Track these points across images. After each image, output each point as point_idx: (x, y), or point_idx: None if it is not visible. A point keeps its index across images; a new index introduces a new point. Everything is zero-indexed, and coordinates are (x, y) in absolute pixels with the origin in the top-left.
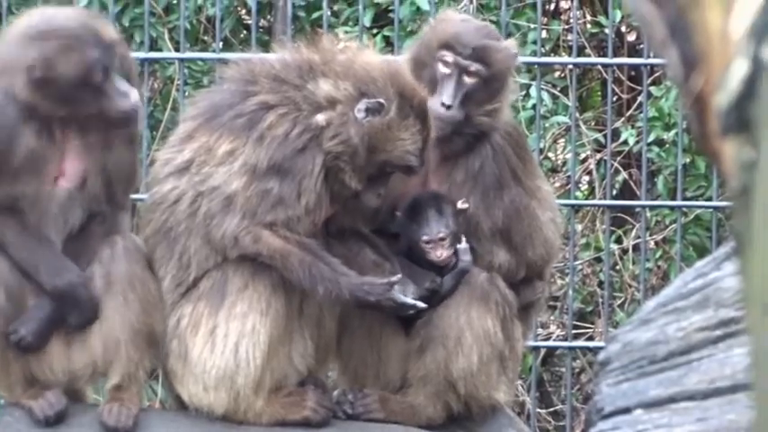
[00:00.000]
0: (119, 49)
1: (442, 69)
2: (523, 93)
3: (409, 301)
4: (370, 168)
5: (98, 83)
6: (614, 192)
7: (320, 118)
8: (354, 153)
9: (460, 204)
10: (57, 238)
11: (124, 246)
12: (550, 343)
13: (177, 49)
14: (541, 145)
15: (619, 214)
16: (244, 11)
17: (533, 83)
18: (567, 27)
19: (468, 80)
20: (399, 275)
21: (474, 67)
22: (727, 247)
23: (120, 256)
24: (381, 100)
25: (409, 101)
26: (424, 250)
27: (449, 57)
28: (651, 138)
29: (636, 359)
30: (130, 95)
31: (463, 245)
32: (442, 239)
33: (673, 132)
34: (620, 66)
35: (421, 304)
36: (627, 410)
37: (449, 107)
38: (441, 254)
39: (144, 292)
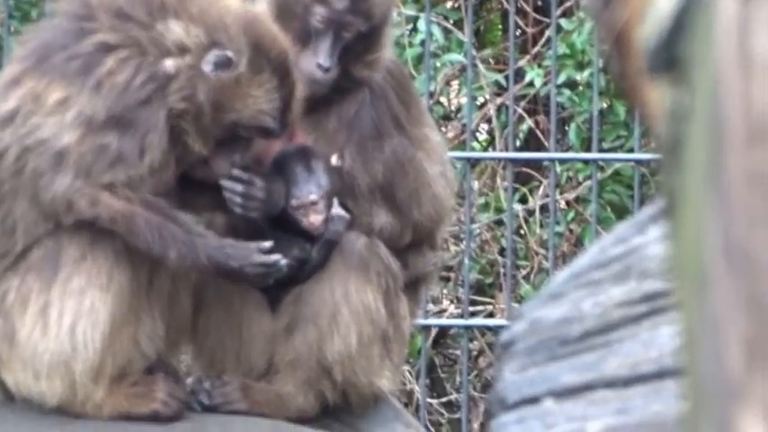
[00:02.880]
0: None
1: (317, 25)
2: (410, 27)
3: (282, 260)
4: (218, 131)
5: None
6: (518, 143)
7: (169, 64)
8: (199, 112)
9: (333, 161)
10: None
11: None
12: (443, 321)
13: None
14: (432, 88)
15: (523, 169)
16: None
17: (422, 15)
18: None
19: (345, 35)
20: (271, 242)
21: (351, 20)
22: (652, 208)
23: None
24: (229, 53)
25: (265, 54)
26: (294, 216)
27: (323, 11)
28: (561, 79)
29: (545, 340)
30: None
31: (337, 210)
32: (314, 203)
33: (587, 73)
34: None
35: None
36: (534, 400)
37: (327, 69)
38: (314, 220)
39: None
